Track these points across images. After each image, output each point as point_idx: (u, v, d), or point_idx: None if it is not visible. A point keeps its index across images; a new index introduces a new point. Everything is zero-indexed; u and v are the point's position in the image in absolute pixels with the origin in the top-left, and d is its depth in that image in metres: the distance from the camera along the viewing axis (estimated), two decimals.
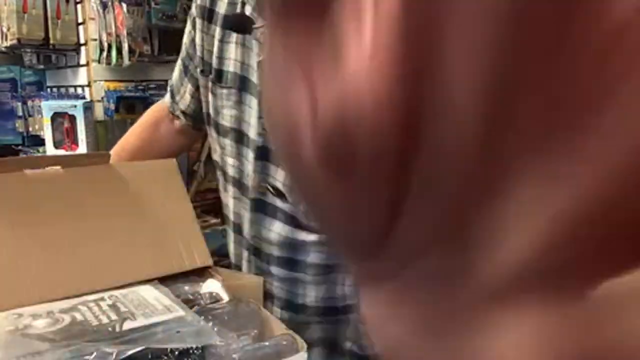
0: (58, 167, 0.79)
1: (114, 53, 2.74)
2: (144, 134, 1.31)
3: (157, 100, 2.78)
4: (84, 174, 0.81)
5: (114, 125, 2.80)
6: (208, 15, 1.00)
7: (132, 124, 2.80)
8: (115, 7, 2.74)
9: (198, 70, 1.08)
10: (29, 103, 2.87)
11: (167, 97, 1.28)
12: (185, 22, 1.18)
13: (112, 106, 2.77)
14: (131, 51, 2.76)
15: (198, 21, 1.03)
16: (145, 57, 2.83)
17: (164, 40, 2.88)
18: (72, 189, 0.79)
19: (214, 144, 1.08)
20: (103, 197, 0.82)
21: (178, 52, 2.87)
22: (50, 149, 2.78)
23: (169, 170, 0.94)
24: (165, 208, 0.86)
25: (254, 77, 0.91)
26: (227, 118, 1.00)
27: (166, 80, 2.88)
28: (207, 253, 0.86)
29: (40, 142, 2.82)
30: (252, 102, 0.92)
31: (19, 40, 2.70)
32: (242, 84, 0.94)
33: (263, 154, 0.94)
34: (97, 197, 0.81)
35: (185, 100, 1.20)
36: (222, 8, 0.97)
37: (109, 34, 2.76)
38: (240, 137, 0.98)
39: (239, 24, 0.89)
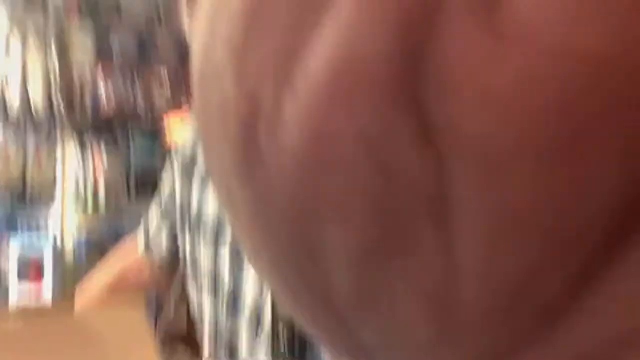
0: (20, 323, 0.76)
1: (89, 199, 2.78)
2: (115, 271, 1.30)
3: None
4: (48, 329, 0.78)
5: (82, 270, 2.75)
6: (189, 169, 1.05)
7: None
8: (95, 154, 2.82)
9: (177, 216, 1.10)
10: None
11: (142, 241, 1.28)
12: (163, 170, 1.21)
13: (83, 251, 2.75)
14: (108, 197, 2.80)
15: (179, 172, 1.08)
16: (121, 204, 2.86)
17: (142, 187, 2.93)
18: (34, 348, 0.76)
19: (191, 288, 1.09)
20: (67, 353, 0.79)
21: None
22: (13, 282, 2.68)
23: (137, 321, 0.92)
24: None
25: (225, 225, 0.95)
26: (204, 265, 1.01)
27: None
28: None
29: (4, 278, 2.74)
30: (222, 253, 0.95)
31: None
32: (218, 233, 0.97)
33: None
34: (60, 353, 0.78)
35: (161, 246, 1.22)
36: (201, 163, 1.01)
37: (86, 180, 2.81)
38: (215, 286, 0.99)
39: None
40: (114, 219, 2.87)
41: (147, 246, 1.25)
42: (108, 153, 2.84)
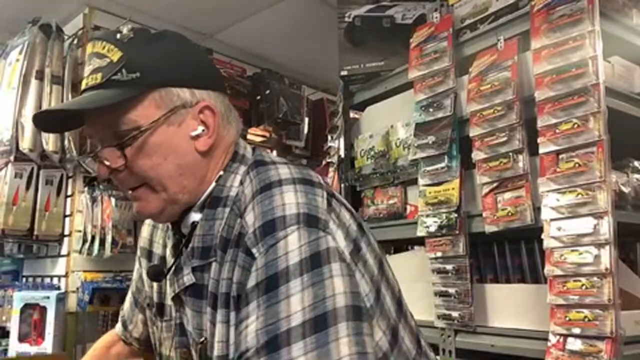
0: None
1: (96, 244, 2.76)
2: (97, 353, 1.30)
3: None
4: None
5: (85, 317, 2.70)
6: (148, 255, 1.11)
7: (104, 316, 2.75)
8: (105, 201, 2.83)
9: (146, 302, 1.12)
10: (1, 293, 2.78)
11: (119, 326, 1.30)
12: None
13: (87, 297, 2.70)
14: (114, 242, 2.78)
15: (143, 261, 1.13)
16: (127, 249, 2.84)
17: None
18: None
19: None
20: None
21: None
22: (13, 342, 2.63)
23: None
24: None
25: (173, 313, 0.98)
26: (168, 349, 1.02)
27: None
28: None
29: (5, 334, 2.68)
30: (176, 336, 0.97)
31: (2, 231, 2.73)
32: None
33: None
34: None
35: (138, 328, 1.25)
36: (158, 249, 1.08)
37: (94, 226, 2.80)
38: None
39: (154, 274, 0.98)
40: (118, 261, 2.84)
41: (125, 334, 1.28)
42: (117, 199, 2.85)
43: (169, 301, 1.00)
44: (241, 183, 0.92)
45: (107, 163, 0.90)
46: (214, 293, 0.87)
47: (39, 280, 2.94)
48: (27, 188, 2.80)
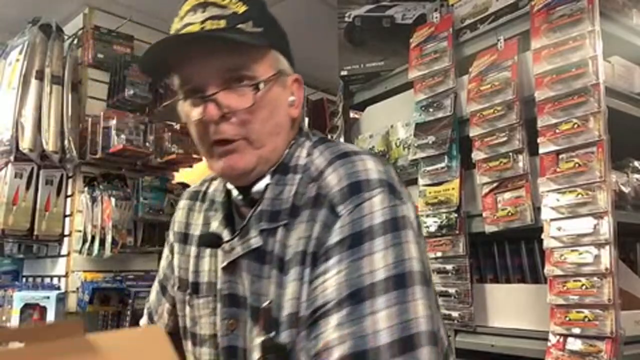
0: (20, 344, 0.74)
1: (96, 244, 2.76)
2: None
3: (134, 292, 2.79)
4: (52, 350, 0.74)
5: (85, 317, 2.70)
6: (184, 239, 1.11)
7: (104, 316, 2.75)
8: (105, 201, 2.83)
9: (175, 288, 1.11)
10: (1, 293, 2.78)
11: (145, 318, 1.29)
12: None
13: (87, 297, 2.69)
14: (114, 242, 2.78)
15: (176, 245, 1.12)
16: (127, 249, 2.84)
17: (149, 233, 2.93)
18: None
19: (190, 357, 1.08)
20: None
21: (161, 244, 2.89)
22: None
23: (155, 338, 0.87)
24: None
25: (219, 285, 0.97)
26: (205, 327, 1.02)
27: (145, 271, 2.89)
28: None
29: None
30: (218, 307, 0.97)
31: (2, 231, 2.73)
32: (216, 291, 0.99)
33: None
34: None
35: (163, 319, 1.22)
36: (196, 230, 1.09)
37: (94, 226, 2.80)
38: (217, 344, 0.99)
39: (210, 241, 1.00)
40: (118, 261, 2.84)
41: (151, 318, 1.25)
42: (117, 199, 2.85)
43: (206, 278, 1.01)
44: (308, 155, 0.95)
45: (229, 103, 0.90)
46: (281, 256, 0.88)
47: (39, 280, 2.94)
48: (27, 188, 2.80)
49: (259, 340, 0.87)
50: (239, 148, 0.92)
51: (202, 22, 0.91)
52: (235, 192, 0.98)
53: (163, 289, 1.20)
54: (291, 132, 0.99)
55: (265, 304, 0.88)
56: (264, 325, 0.87)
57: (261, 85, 0.91)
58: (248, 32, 0.90)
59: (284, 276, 0.87)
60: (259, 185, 0.94)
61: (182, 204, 1.15)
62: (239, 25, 0.90)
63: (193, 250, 1.06)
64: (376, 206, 0.84)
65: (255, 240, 0.91)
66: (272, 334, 0.86)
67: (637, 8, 1.92)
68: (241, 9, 0.91)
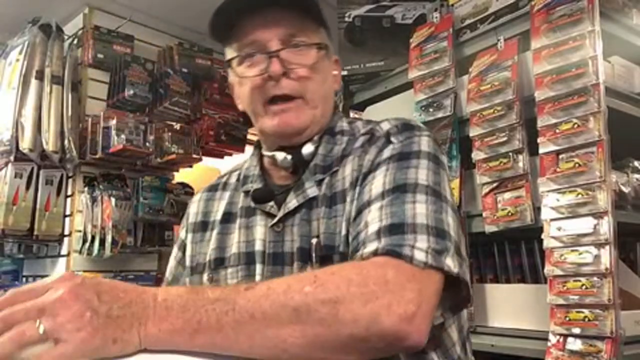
0: None
1: (96, 244, 2.76)
2: None
3: None
4: None
5: None
6: (202, 227, 1.14)
7: None
8: (105, 200, 2.83)
9: (197, 271, 1.11)
10: (1, 293, 2.77)
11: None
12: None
13: None
14: (114, 242, 2.78)
15: (190, 236, 1.15)
16: (127, 249, 2.84)
17: (148, 233, 2.93)
18: None
19: None
20: None
21: (161, 244, 2.86)
22: None
23: None
24: None
25: (257, 248, 1.01)
26: None
27: (145, 271, 2.89)
28: None
29: None
30: (257, 269, 1.00)
31: (2, 231, 2.72)
32: (248, 259, 1.02)
33: None
34: None
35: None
36: (217, 215, 1.12)
37: (94, 226, 2.80)
38: None
39: (263, 196, 1.04)
40: (118, 261, 2.84)
41: None
42: (117, 199, 2.84)
43: (234, 250, 1.04)
44: (350, 123, 1.08)
45: (293, 60, 0.99)
46: (328, 195, 0.97)
47: (39, 280, 2.93)
48: (27, 188, 2.80)
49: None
50: (297, 106, 1.00)
51: None
52: (280, 156, 1.03)
53: (176, 282, 1.19)
54: (332, 103, 1.10)
55: (314, 237, 0.94)
56: (318, 258, 0.92)
57: (322, 48, 1.02)
58: (310, 2, 1.00)
59: (337, 205, 0.95)
60: (308, 148, 1.02)
61: (199, 196, 1.20)
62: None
63: (214, 232, 1.09)
64: (424, 141, 0.95)
65: (312, 190, 0.99)
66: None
67: (637, 8, 1.92)
68: None
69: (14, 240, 2.86)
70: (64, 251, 2.85)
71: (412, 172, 0.89)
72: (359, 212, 0.89)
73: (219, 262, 1.06)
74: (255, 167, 1.10)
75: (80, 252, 2.78)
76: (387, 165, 0.91)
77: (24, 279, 3.03)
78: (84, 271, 2.78)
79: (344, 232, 0.92)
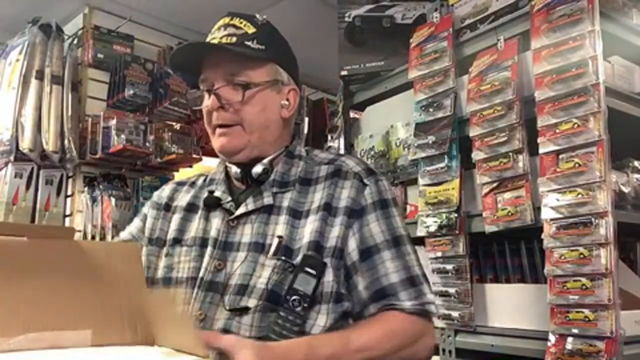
0: (23, 238, 0.80)
1: None
2: None
3: None
4: (47, 245, 0.83)
5: None
6: (166, 207, 1.34)
7: None
8: (105, 200, 2.83)
9: (145, 246, 1.29)
10: None
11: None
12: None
13: None
14: None
15: (151, 211, 1.35)
16: None
17: None
18: (34, 257, 0.80)
19: None
20: (63, 267, 0.83)
21: None
22: None
23: (131, 252, 0.97)
24: (120, 284, 0.88)
25: (212, 235, 1.21)
26: (184, 270, 1.20)
27: None
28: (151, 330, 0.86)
29: None
30: (208, 251, 1.19)
31: None
32: (203, 242, 1.22)
33: None
34: (57, 265, 0.82)
35: None
36: (181, 202, 1.32)
37: (94, 226, 2.80)
38: (194, 284, 1.18)
39: (213, 202, 1.25)
40: None
41: None
42: (117, 199, 2.84)
43: (192, 233, 1.24)
44: (307, 152, 1.30)
45: (226, 96, 1.20)
46: (294, 208, 1.18)
47: None
48: (27, 188, 2.80)
49: (271, 263, 1.12)
50: (233, 132, 1.22)
51: (221, 37, 1.22)
52: (233, 169, 1.26)
53: (134, 239, 1.37)
54: (284, 130, 1.28)
55: (278, 237, 1.14)
56: (276, 251, 1.13)
57: (251, 86, 1.20)
58: (251, 47, 1.20)
59: (300, 220, 1.17)
60: (257, 168, 1.23)
61: (168, 186, 1.41)
62: (246, 42, 1.20)
63: (176, 216, 1.30)
64: (387, 186, 1.23)
65: (268, 200, 1.20)
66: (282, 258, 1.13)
67: (637, 8, 1.92)
68: (251, 30, 1.23)
69: None
70: None
71: (396, 221, 1.18)
72: (369, 253, 1.15)
73: (177, 241, 1.25)
74: (221, 172, 1.31)
75: None
76: (376, 214, 1.17)
77: None
78: None
79: (305, 240, 1.13)
